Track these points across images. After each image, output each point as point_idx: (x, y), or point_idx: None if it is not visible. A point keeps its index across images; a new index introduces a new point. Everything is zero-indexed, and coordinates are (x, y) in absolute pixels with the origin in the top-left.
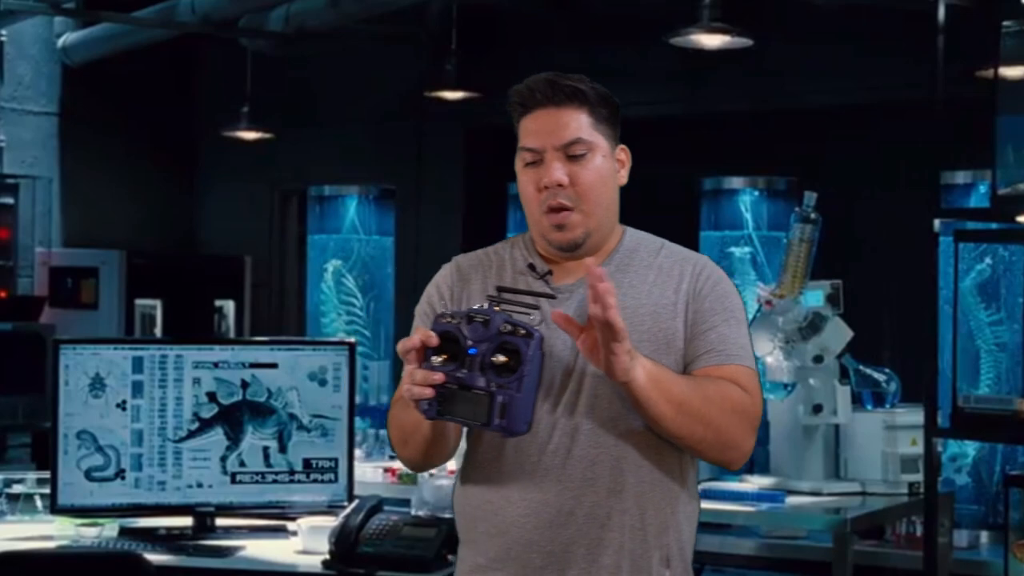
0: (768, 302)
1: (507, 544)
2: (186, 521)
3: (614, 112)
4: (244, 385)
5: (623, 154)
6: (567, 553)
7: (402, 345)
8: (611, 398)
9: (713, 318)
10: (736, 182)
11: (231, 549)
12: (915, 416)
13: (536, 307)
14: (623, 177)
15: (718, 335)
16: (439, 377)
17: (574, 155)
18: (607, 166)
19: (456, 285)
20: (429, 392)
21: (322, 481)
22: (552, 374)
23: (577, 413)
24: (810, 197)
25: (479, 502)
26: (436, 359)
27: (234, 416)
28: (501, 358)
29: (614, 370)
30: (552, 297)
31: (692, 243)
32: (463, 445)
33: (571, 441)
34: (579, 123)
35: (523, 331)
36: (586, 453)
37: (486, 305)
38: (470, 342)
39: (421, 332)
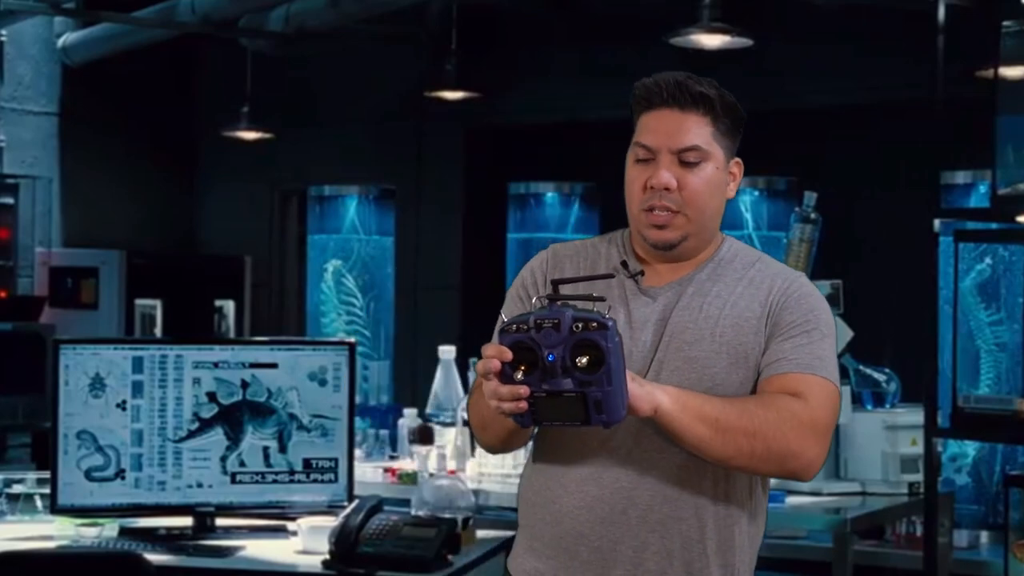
0: None
1: (559, 534)
2: (186, 521)
3: (737, 124)
4: (244, 385)
5: (736, 168)
6: (614, 552)
7: (482, 367)
8: None
9: (791, 329)
10: None
11: (231, 549)
12: (915, 416)
13: (601, 298)
14: (732, 190)
15: (793, 344)
16: (525, 391)
17: (687, 161)
18: (718, 177)
19: (551, 272)
20: (523, 406)
21: (322, 481)
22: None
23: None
24: (810, 197)
25: (539, 488)
26: (517, 373)
27: (234, 416)
28: (583, 360)
29: (635, 405)
30: (610, 276)
31: None
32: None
33: (634, 442)
34: (700, 130)
35: (595, 324)
36: (647, 455)
37: (545, 303)
38: (546, 350)
39: (494, 349)
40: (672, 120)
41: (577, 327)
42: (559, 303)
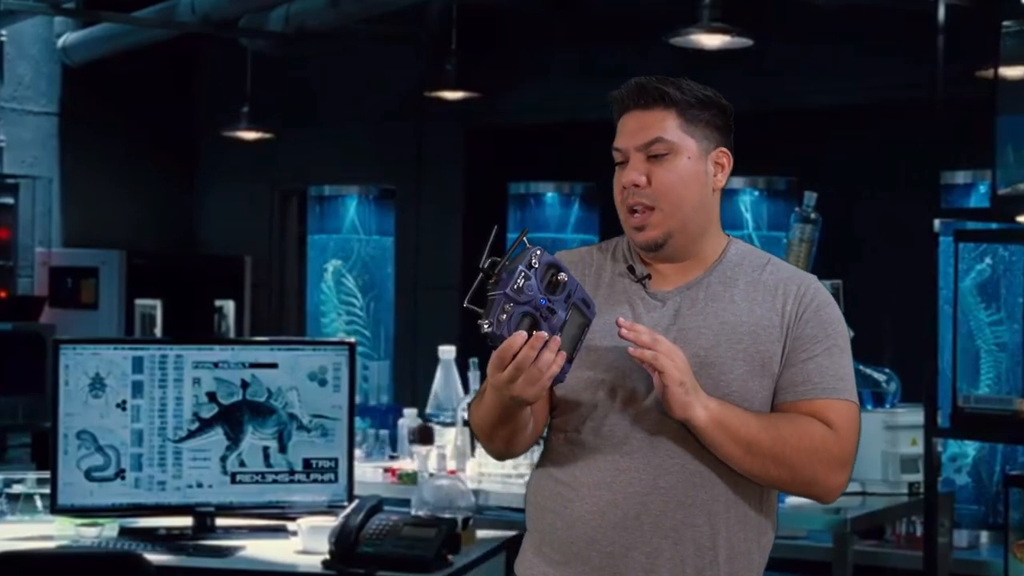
0: None
1: (571, 538)
2: (186, 521)
3: (716, 115)
4: (244, 385)
5: (724, 158)
6: (626, 557)
7: (544, 365)
8: None
9: (814, 346)
10: (736, 182)
11: (231, 549)
12: (915, 416)
13: (523, 233)
14: (719, 181)
15: (816, 365)
16: (556, 341)
17: (655, 155)
18: (692, 168)
19: None
20: (563, 356)
21: (322, 481)
22: (635, 381)
23: (656, 419)
24: (810, 197)
25: (551, 493)
26: (538, 333)
27: (234, 416)
28: (557, 277)
29: (671, 407)
30: (527, 250)
31: None
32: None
33: (648, 447)
34: (663, 124)
35: (532, 253)
36: (661, 461)
37: (488, 287)
38: (535, 301)
39: (516, 340)
40: (635, 120)
41: (531, 264)
42: (497, 271)
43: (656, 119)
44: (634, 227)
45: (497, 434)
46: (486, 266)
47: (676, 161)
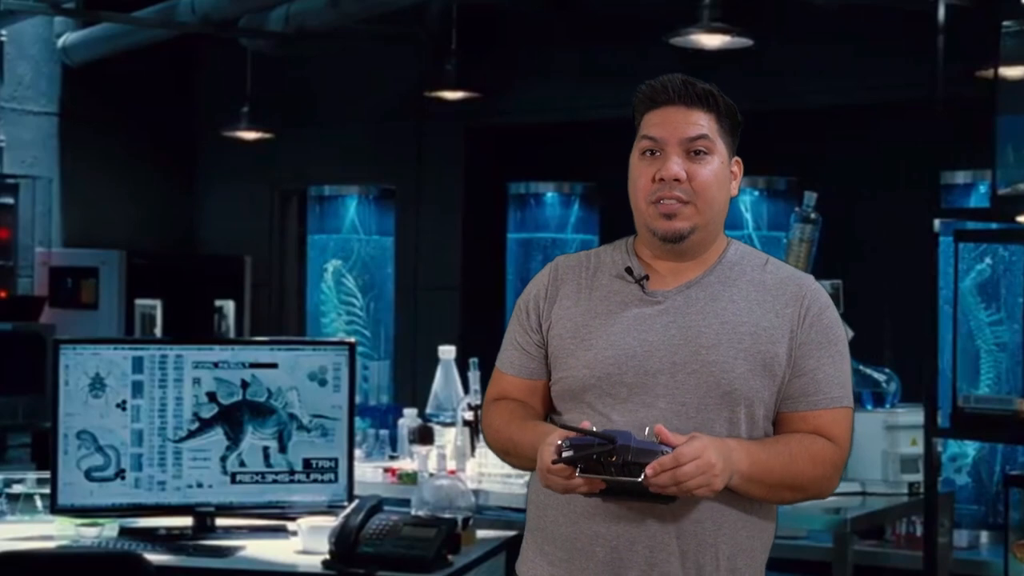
0: None
1: (575, 534)
2: (186, 521)
3: (736, 126)
4: (244, 385)
5: (736, 167)
6: (630, 552)
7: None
8: (695, 409)
9: (819, 353)
10: None
11: (231, 549)
12: (915, 416)
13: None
14: (734, 188)
15: (825, 375)
16: None
17: (696, 151)
18: (724, 172)
19: (551, 287)
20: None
21: (322, 481)
22: (636, 376)
23: (656, 415)
24: (810, 197)
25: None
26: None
27: (234, 416)
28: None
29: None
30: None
31: None
32: None
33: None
34: (706, 123)
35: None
36: None
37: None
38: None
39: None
40: (679, 114)
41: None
42: (612, 440)
43: (699, 117)
44: (664, 214)
45: (524, 465)
46: (612, 449)
47: (713, 162)
